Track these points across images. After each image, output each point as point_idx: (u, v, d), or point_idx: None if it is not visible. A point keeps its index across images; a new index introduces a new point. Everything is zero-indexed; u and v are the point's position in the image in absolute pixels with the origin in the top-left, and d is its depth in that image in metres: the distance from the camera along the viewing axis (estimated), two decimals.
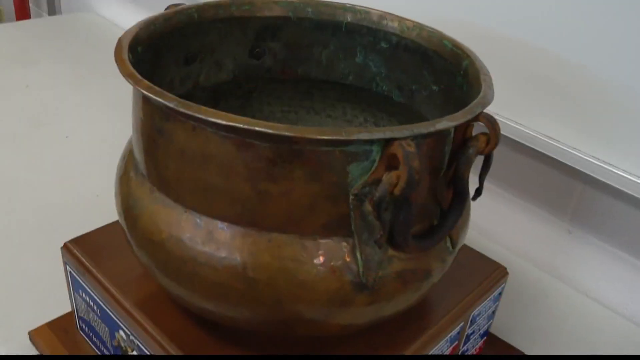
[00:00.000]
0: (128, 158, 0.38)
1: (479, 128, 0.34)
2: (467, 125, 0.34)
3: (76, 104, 0.86)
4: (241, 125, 0.28)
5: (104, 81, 0.93)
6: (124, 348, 0.42)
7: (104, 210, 0.52)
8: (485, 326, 0.47)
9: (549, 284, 0.57)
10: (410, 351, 0.39)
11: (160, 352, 0.38)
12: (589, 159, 0.52)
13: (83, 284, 0.44)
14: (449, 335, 0.42)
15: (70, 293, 0.47)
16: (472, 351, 0.48)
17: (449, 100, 0.42)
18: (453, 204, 0.34)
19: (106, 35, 1.11)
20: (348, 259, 0.32)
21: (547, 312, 0.54)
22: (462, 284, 0.43)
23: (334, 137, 0.28)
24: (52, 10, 1.38)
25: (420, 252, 0.34)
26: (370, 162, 0.30)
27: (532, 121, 0.55)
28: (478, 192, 0.35)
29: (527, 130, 0.55)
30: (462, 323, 0.43)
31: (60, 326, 0.49)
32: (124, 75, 0.32)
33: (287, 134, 0.28)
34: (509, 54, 0.55)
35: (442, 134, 0.32)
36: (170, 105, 0.30)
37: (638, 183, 0.49)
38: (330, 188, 0.31)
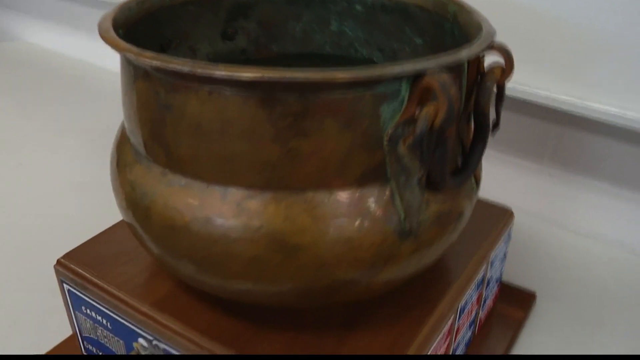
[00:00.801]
0: (122, 150, 0.35)
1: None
2: (479, 59, 0.33)
3: (25, 133, 0.81)
4: (275, 76, 0.26)
5: (49, 107, 0.88)
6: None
7: (78, 228, 0.48)
8: (499, 270, 0.47)
9: (539, 228, 0.58)
10: (443, 303, 0.38)
11: (192, 349, 0.35)
12: (561, 96, 0.52)
13: (86, 298, 0.40)
14: (476, 280, 0.41)
15: (70, 314, 0.43)
16: (491, 298, 0.47)
17: (437, 50, 0.42)
18: (476, 138, 0.33)
19: (42, 61, 1.05)
20: (389, 208, 0.31)
21: (546, 255, 0.55)
22: (476, 229, 0.43)
23: (367, 74, 0.27)
24: None
25: (455, 190, 0.33)
26: (399, 101, 0.29)
27: None
28: (496, 124, 0.35)
29: None
30: (485, 266, 0.42)
31: (60, 353, 0.45)
32: (121, 51, 0.30)
33: (316, 77, 0.26)
34: (476, 2, 0.56)
35: (460, 67, 0.32)
36: (185, 69, 0.27)
37: (611, 112, 0.51)
38: (363, 135, 0.29)
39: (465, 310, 0.41)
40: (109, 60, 0.95)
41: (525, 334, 0.47)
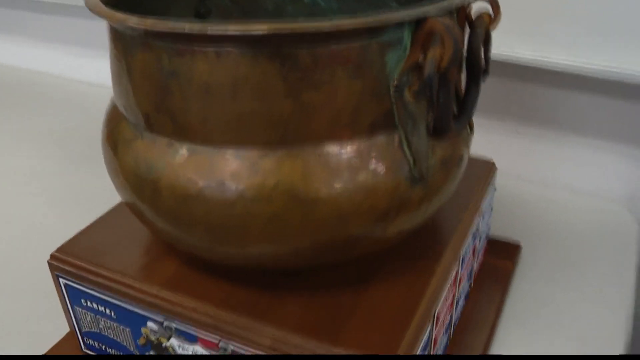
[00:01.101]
0: (117, 130, 0.35)
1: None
2: (466, 8, 0.34)
3: None
4: (285, 27, 0.26)
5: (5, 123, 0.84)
6: (155, 341, 0.38)
7: (56, 232, 0.46)
8: (487, 223, 0.49)
9: (514, 185, 0.60)
10: (448, 253, 0.39)
11: (209, 322, 0.35)
12: (520, 51, 0.55)
13: (86, 290, 0.39)
14: (472, 230, 0.42)
15: (68, 311, 0.41)
16: (482, 251, 0.49)
17: None
18: (470, 83, 0.35)
19: None
20: (399, 156, 0.31)
21: (523, 208, 0.57)
22: (464, 182, 0.44)
23: (374, 20, 0.28)
24: None
25: (456, 136, 0.34)
26: (402, 49, 0.30)
27: None
28: (486, 71, 0.36)
29: None
30: (478, 216, 0.43)
31: (58, 353, 0.44)
32: (116, 22, 0.29)
33: (325, 25, 0.27)
34: None
35: (453, 15, 0.32)
36: (194, 31, 0.27)
37: (571, 64, 0.53)
38: (371, 84, 0.30)
39: (465, 260, 0.42)
40: (48, 65, 0.92)
41: (516, 283, 0.49)
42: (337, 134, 0.30)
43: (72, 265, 0.39)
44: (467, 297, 0.46)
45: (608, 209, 0.57)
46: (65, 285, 0.40)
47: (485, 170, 0.46)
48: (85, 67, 0.90)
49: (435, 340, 0.38)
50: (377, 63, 0.29)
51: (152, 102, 0.31)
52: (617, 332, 0.45)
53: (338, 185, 0.30)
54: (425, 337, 0.35)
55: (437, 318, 0.37)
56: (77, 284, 0.39)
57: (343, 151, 0.30)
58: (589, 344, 0.44)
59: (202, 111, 0.30)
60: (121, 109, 0.35)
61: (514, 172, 0.60)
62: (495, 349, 0.44)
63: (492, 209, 0.49)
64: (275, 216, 0.31)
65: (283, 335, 0.33)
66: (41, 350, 0.44)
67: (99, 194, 0.46)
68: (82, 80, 0.90)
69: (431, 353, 0.37)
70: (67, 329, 0.44)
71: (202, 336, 0.36)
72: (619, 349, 0.44)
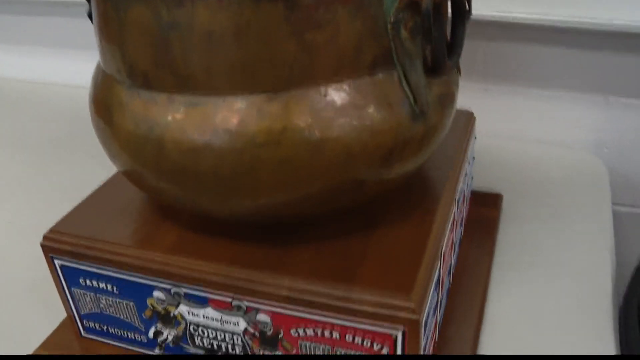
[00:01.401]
0: (108, 95, 0.34)
1: None
2: None
3: None
4: None
5: None
6: (162, 311, 0.37)
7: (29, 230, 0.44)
8: (471, 170, 0.50)
9: (488, 141, 0.61)
10: (446, 192, 0.39)
11: (221, 283, 0.34)
12: (483, 10, 0.56)
13: (85, 268, 0.38)
14: (463, 174, 0.43)
15: (64, 294, 0.40)
16: (468, 199, 0.50)
17: None
18: (455, 22, 0.35)
19: None
20: (399, 93, 0.32)
21: (499, 162, 0.58)
22: (449, 133, 0.45)
23: None
24: None
25: (448, 74, 0.35)
26: None
27: None
28: (469, 11, 0.37)
29: None
30: (466, 161, 0.44)
31: (58, 342, 0.42)
32: None
33: None
34: None
35: None
36: None
37: (530, 17, 0.55)
38: (370, 22, 0.30)
39: (459, 204, 0.43)
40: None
41: (502, 229, 0.50)
42: (340, 74, 0.30)
43: (67, 243, 0.38)
44: (460, 244, 0.47)
45: (577, 157, 0.59)
46: (61, 266, 0.39)
47: (466, 119, 0.47)
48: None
49: (442, 280, 0.39)
50: (375, 1, 0.30)
51: (151, 58, 0.31)
52: (603, 263, 0.47)
53: (345, 125, 0.31)
54: (435, 276, 0.36)
55: (443, 258, 0.38)
56: (75, 262, 0.38)
57: (347, 91, 0.31)
58: (579, 278, 0.46)
59: (205, 61, 0.30)
60: (111, 72, 0.34)
61: (485, 128, 0.62)
62: (494, 291, 0.45)
63: (474, 158, 0.50)
64: (285, 160, 0.31)
65: (299, 284, 0.33)
66: (37, 342, 0.42)
67: (75, 187, 0.44)
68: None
69: (439, 294, 0.38)
70: (60, 318, 0.43)
71: (213, 297, 0.35)
72: (606, 280, 0.46)
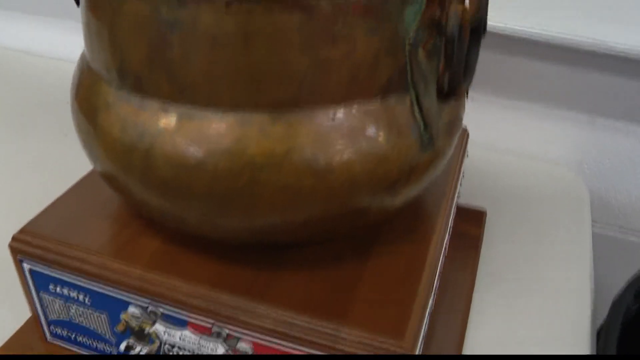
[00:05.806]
0: (94, 93, 0.29)
1: None
2: None
3: None
4: None
5: None
6: (136, 328, 0.33)
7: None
8: (460, 187, 0.46)
9: (473, 153, 0.58)
10: (440, 218, 0.36)
11: (201, 306, 0.30)
12: None
13: (55, 275, 0.33)
14: (456, 194, 0.40)
15: (32, 298, 0.35)
16: (453, 215, 0.47)
17: None
18: (472, 42, 0.31)
19: None
20: (410, 119, 0.28)
21: (484, 175, 0.55)
22: None
23: None
24: None
25: (457, 98, 0.31)
26: (419, 3, 0.26)
27: None
28: (484, 30, 0.33)
29: None
30: (459, 182, 0.41)
31: (20, 344, 0.37)
32: None
33: None
34: None
35: None
36: None
37: (522, 29, 0.52)
38: (388, 40, 0.26)
39: (449, 224, 0.40)
40: None
41: (485, 247, 0.47)
42: (352, 95, 0.26)
43: (37, 247, 0.33)
44: (445, 255, 0.44)
45: (559, 174, 0.57)
46: (30, 270, 0.34)
47: (460, 136, 0.44)
48: None
49: (432, 307, 0.35)
50: (395, 17, 0.26)
51: (145, 58, 0.26)
52: (582, 281, 0.45)
53: (352, 152, 0.27)
54: (429, 306, 0.32)
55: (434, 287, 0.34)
56: (45, 267, 0.33)
57: (357, 115, 0.27)
58: (559, 297, 0.43)
59: (205, 68, 0.25)
60: (99, 69, 0.29)
61: (470, 139, 0.59)
62: (476, 308, 0.42)
63: (463, 175, 0.46)
64: (287, 186, 0.26)
65: (285, 316, 0.29)
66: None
67: (57, 168, 0.39)
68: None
69: (427, 320, 0.35)
70: (25, 316, 0.38)
71: (193, 320, 0.31)
72: (586, 297, 0.44)
